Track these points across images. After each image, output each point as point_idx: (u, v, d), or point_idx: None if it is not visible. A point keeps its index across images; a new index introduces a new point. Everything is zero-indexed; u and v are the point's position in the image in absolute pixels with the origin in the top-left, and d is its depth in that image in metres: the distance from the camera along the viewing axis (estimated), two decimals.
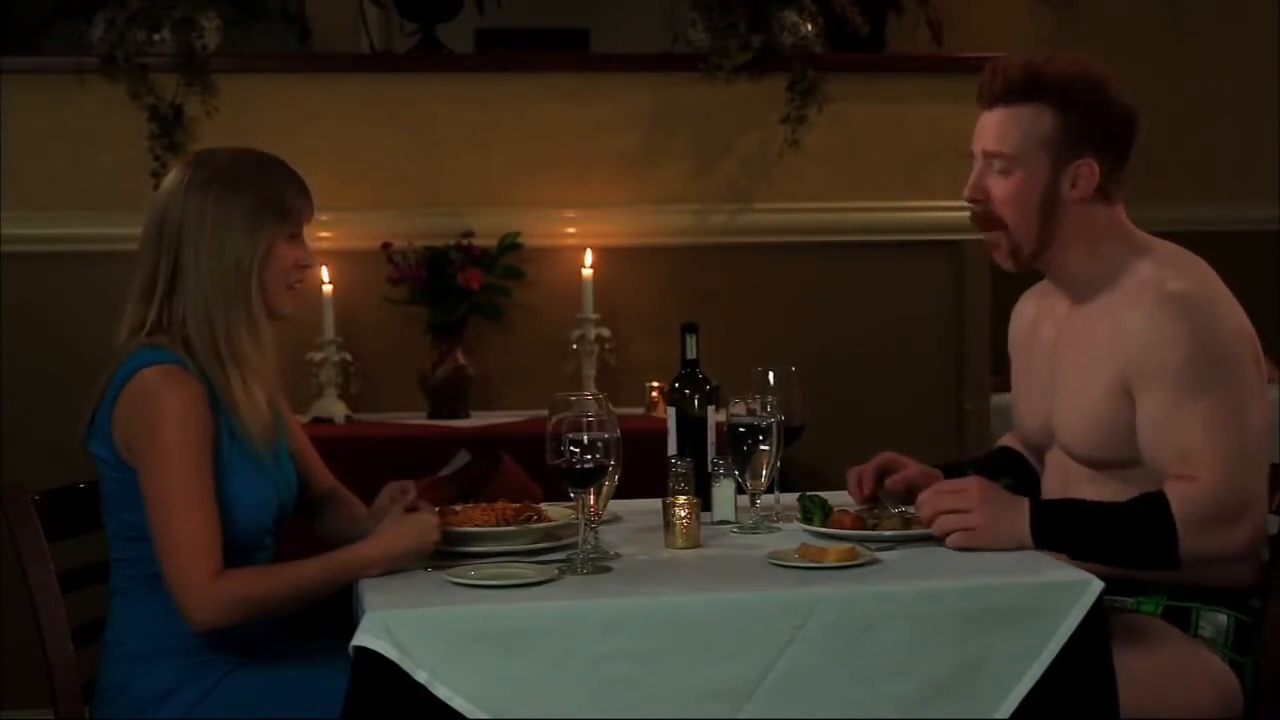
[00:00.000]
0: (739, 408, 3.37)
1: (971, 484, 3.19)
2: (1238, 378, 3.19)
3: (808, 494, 3.39)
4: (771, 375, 3.41)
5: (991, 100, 3.35)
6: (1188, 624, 3.29)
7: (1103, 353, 3.27)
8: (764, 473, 3.36)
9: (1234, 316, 3.25)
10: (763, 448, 3.34)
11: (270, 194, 3.20)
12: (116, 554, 3.23)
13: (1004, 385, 6.11)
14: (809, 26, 5.70)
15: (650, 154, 5.67)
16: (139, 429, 3.08)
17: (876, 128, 5.71)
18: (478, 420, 5.33)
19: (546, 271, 5.58)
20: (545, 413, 3.10)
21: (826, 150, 5.68)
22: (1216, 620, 3.29)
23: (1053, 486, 3.45)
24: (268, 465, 3.21)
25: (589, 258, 5.49)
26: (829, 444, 4.53)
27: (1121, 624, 3.20)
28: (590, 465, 3.01)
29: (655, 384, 5.31)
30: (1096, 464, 3.31)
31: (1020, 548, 3.11)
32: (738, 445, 3.35)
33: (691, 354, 3.57)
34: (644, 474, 3.33)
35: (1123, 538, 3.15)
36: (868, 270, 5.70)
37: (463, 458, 3.32)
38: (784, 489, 3.47)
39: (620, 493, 3.16)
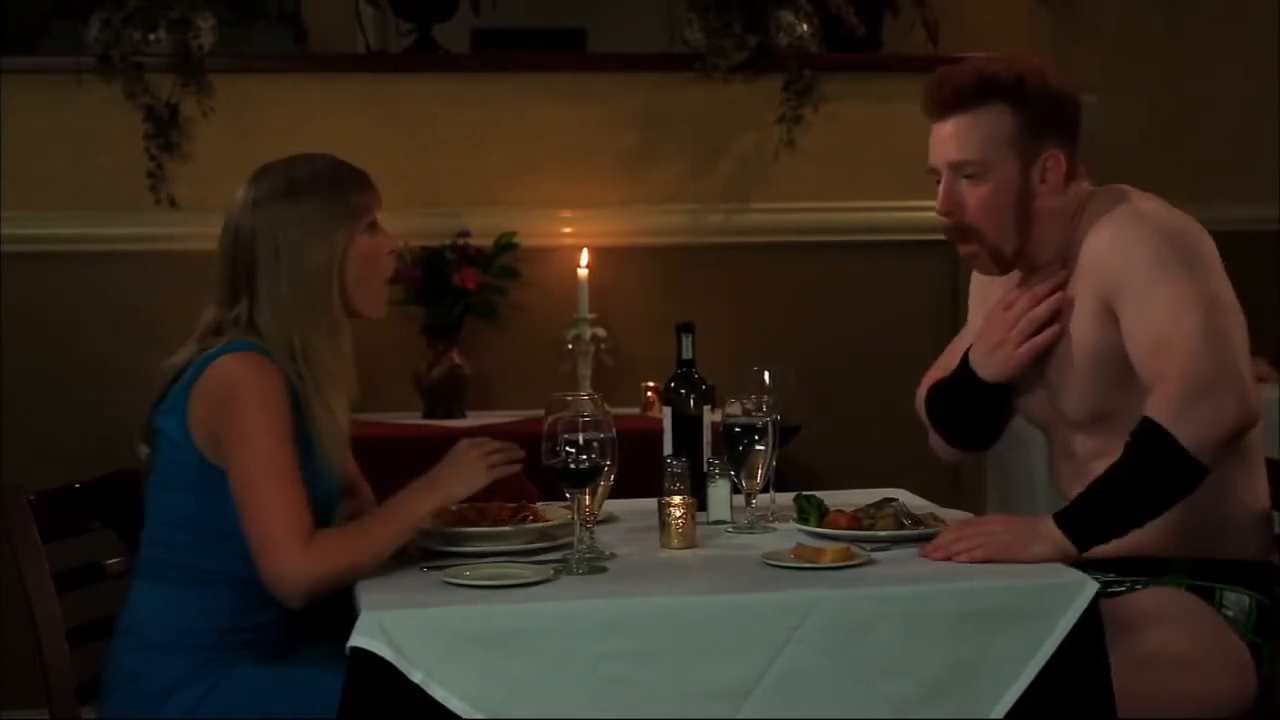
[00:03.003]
0: (734, 408, 3.37)
1: (989, 517, 3.22)
2: (1202, 264, 3.18)
3: (803, 494, 3.39)
4: (767, 375, 3.41)
5: (944, 110, 3.32)
6: (1211, 604, 3.28)
7: (1081, 287, 3.29)
8: (759, 473, 3.36)
9: (1202, 235, 3.25)
10: (758, 448, 3.34)
11: (334, 194, 3.21)
12: (152, 536, 3.22)
13: None
14: (805, 26, 5.70)
15: (646, 154, 5.67)
16: (222, 411, 3.07)
17: (872, 128, 5.71)
18: (474, 420, 5.33)
19: (542, 271, 5.58)
20: (541, 413, 3.10)
21: (822, 150, 5.68)
22: (1240, 601, 3.28)
23: (1064, 473, 3.43)
24: (329, 469, 3.21)
25: (585, 257, 5.49)
26: (825, 444, 4.54)
27: (1151, 599, 3.22)
28: (586, 465, 3.01)
29: (651, 384, 5.31)
30: (1103, 418, 3.29)
31: (1063, 554, 3.04)
32: (733, 445, 3.36)
33: (687, 354, 3.57)
34: (640, 474, 3.33)
35: (1147, 488, 3.09)
36: (864, 270, 5.70)
37: (478, 440, 3.31)
38: (780, 489, 3.47)
39: (616, 492, 3.17)
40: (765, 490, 3.41)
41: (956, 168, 3.31)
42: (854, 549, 3.07)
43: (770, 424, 3.35)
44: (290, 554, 3.00)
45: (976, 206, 3.31)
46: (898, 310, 5.68)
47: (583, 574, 3.00)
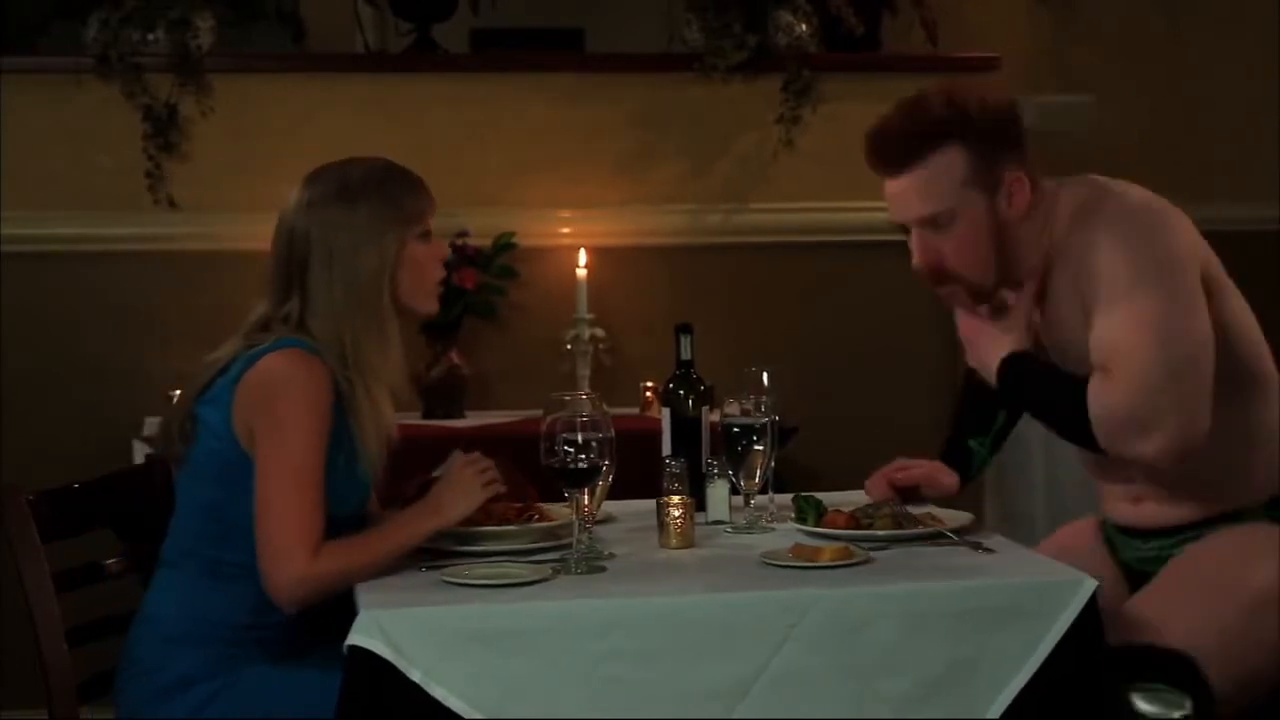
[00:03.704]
0: (733, 408, 3.38)
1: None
2: (1176, 285, 3.16)
3: (802, 494, 3.39)
4: (765, 376, 3.41)
5: (896, 167, 3.28)
6: None
7: (1067, 287, 3.28)
8: (758, 473, 3.36)
9: (1184, 230, 3.24)
10: (757, 448, 3.35)
11: (388, 200, 3.21)
12: (179, 525, 3.23)
13: None
14: (804, 26, 5.70)
15: (645, 154, 5.67)
16: (264, 406, 3.09)
17: None
18: (473, 420, 5.33)
19: (541, 271, 5.58)
20: (540, 413, 3.10)
21: (821, 150, 5.67)
22: None
23: (1090, 459, 3.43)
24: (368, 469, 3.21)
25: (583, 258, 5.49)
26: (823, 444, 4.54)
27: (1237, 539, 3.28)
28: (584, 465, 3.01)
29: (650, 384, 5.31)
30: None
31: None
32: (732, 445, 3.36)
33: (686, 354, 3.58)
34: (638, 474, 3.34)
35: (1057, 416, 3.23)
36: (863, 270, 5.70)
37: (457, 458, 3.32)
38: (778, 489, 3.48)
39: (614, 493, 3.17)
40: (764, 490, 3.41)
41: (925, 222, 3.28)
42: (852, 548, 3.07)
43: (769, 424, 3.36)
44: (294, 560, 3.00)
45: (954, 254, 3.28)
46: (896, 311, 5.68)
47: (581, 573, 3.00)
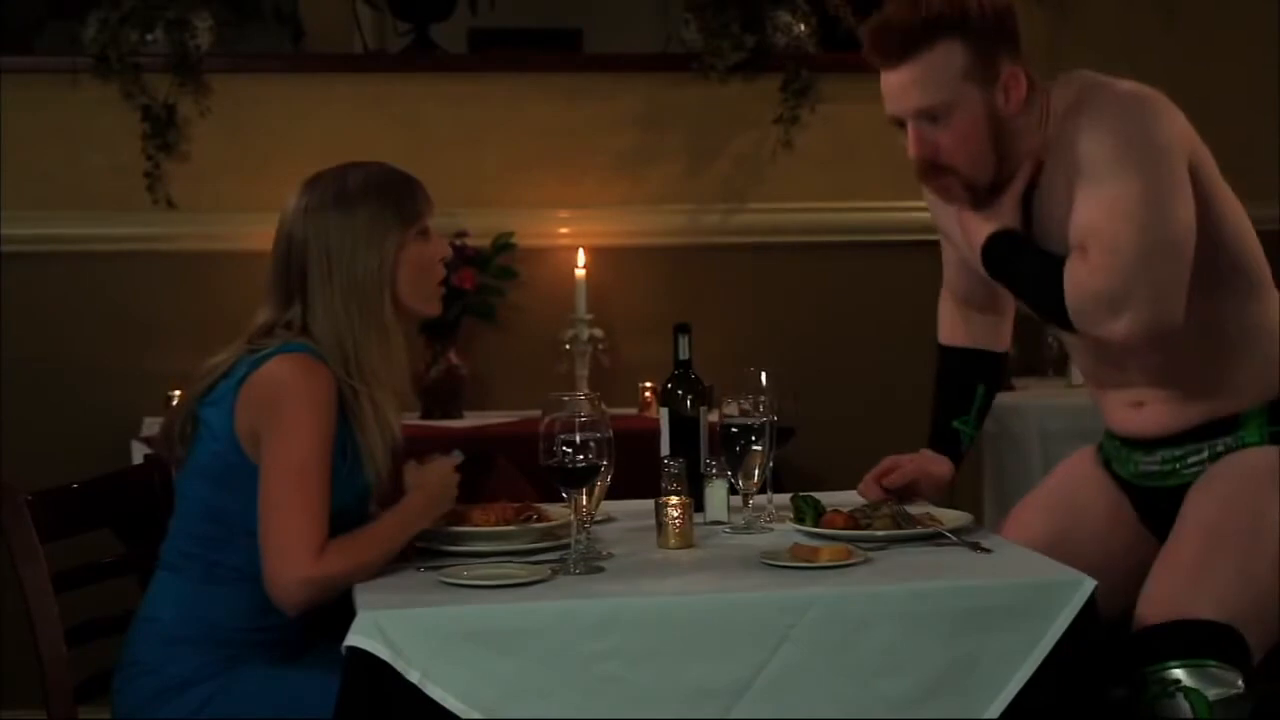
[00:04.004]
0: (732, 408, 3.37)
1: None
2: (1161, 172, 3.17)
3: (800, 494, 3.39)
4: (764, 376, 3.41)
5: (894, 58, 3.26)
6: None
7: (1060, 178, 3.28)
8: (756, 473, 3.36)
9: (1173, 119, 3.26)
10: (755, 448, 3.34)
11: (385, 203, 3.21)
12: (179, 528, 3.22)
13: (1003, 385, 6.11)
14: (802, 27, 5.71)
15: (643, 154, 5.67)
16: (269, 410, 3.08)
17: (870, 128, 5.67)
18: (471, 420, 5.34)
19: (539, 272, 5.58)
20: (539, 413, 3.10)
21: (820, 150, 5.68)
22: None
23: (1087, 361, 3.49)
24: (373, 474, 3.21)
25: (582, 258, 5.49)
26: (822, 444, 4.54)
27: (1241, 463, 3.31)
28: (583, 465, 3.01)
29: (648, 384, 5.31)
30: None
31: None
32: (730, 446, 3.36)
33: (684, 354, 3.57)
34: (637, 474, 3.33)
35: (1035, 293, 3.26)
36: (861, 270, 5.70)
37: (456, 457, 3.31)
38: (777, 490, 3.48)
39: (613, 493, 3.16)
40: (762, 491, 3.41)
41: (922, 114, 3.27)
42: (851, 548, 3.07)
43: (767, 425, 3.35)
44: (299, 563, 3.00)
45: (950, 146, 3.27)
46: (894, 310, 5.68)
47: (579, 574, 3.00)
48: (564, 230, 5.63)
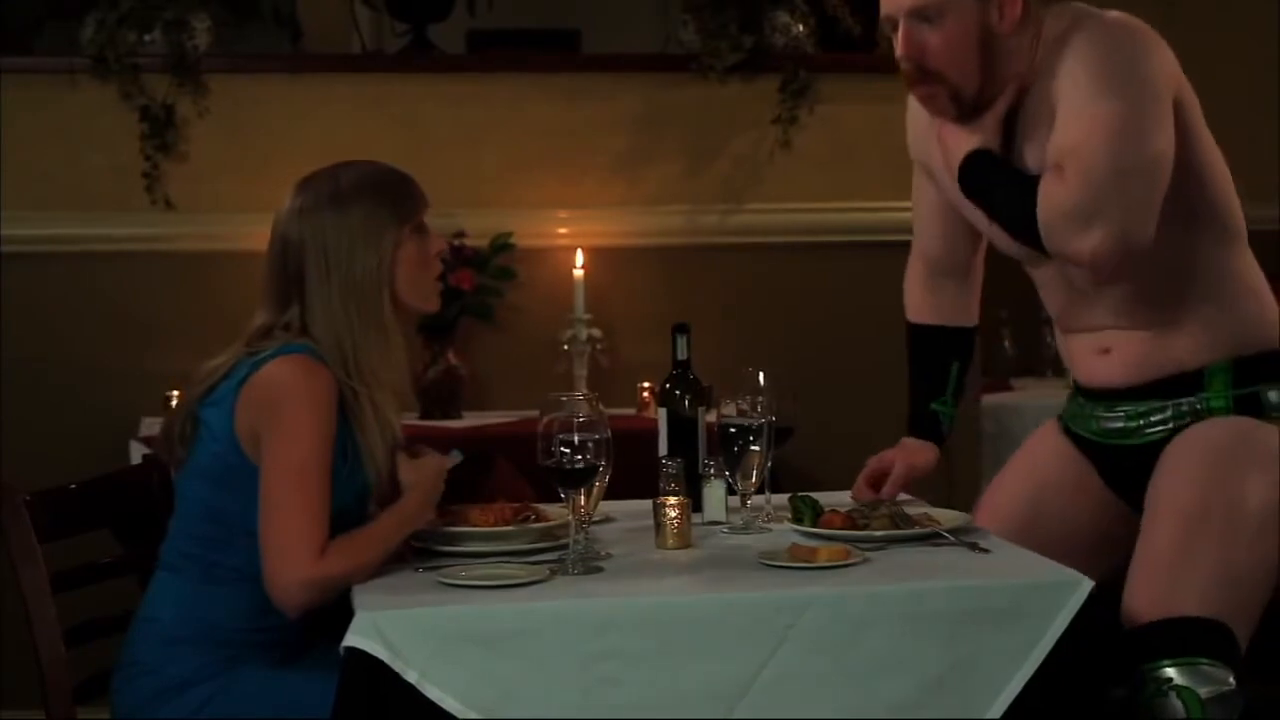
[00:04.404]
0: (730, 408, 3.38)
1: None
2: (1144, 99, 3.18)
3: (799, 494, 3.39)
4: (762, 376, 3.41)
5: None
6: (1260, 406, 3.33)
7: (1044, 105, 3.28)
8: (755, 473, 3.36)
9: (1160, 52, 3.25)
10: (753, 448, 3.35)
11: (380, 201, 3.21)
12: (179, 528, 3.22)
13: (994, 386, 6.14)
14: (800, 27, 5.71)
15: (641, 154, 5.67)
16: (269, 411, 3.08)
17: (868, 128, 5.71)
18: (470, 421, 5.34)
19: (538, 272, 5.58)
20: (537, 413, 3.10)
21: (818, 151, 5.68)
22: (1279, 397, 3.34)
23: (1058, 302, 3.47)
24: (374, 474, 3.21)
25: (580, 258, 5.49)
26: (820, 445, 4.52)
27: (1219, 450, 3.28)
28: (581, 465, 3.01)
29: (646, 384, 5.31)
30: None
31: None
32: (729, 446, 3.36)
33: (682, 355, 3.58)
34: (635, 474, 3.33)
35: (1008, 210, 3.26)
36: (859, 271, 5.69)
37: (455, 457, 3.32)
38: (775, 490, 3.48)
39: (612, 493, 3.17)
40: (760, 491, 3.41)
41: (915, 13, 3.27)
42: (849, 549, 3.07)
43: (765, 425, 3.35)
44: (299, 565, 3.00)
45: (939, 48, 3.27)
46: (893, 311, 5.62)
47: (578, 574, 3.00)
48: (562, 230, 5.63)
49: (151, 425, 4.89)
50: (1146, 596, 3.21)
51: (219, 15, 5.55)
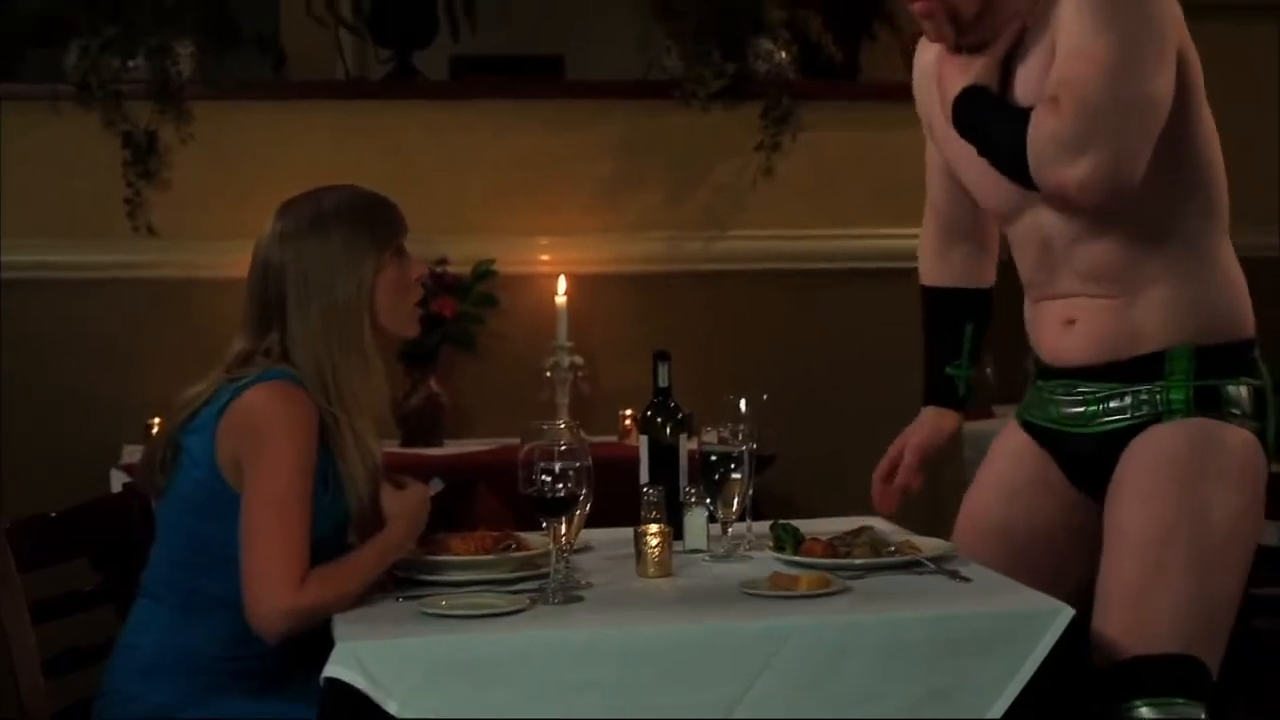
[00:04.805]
0: (711, 436, 3.37)
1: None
2: (1147, 38, 3.13)
3: (780, 522, 3.39)
4: (743, 403, 3.41)
5: None
6: (1218, 402, 3.29)
7: (1044, 43, 3.24)
8: (736, 501, 3.36)
9: (1171, 4, 3.21)
10: (734, 476, 3.34)
11: (360, 226, 3.21)
12: (159, 555, 3.21)
13: (976, 414, 6.14)
14: (783, 54, 5.72)
15: (624, 181, 5.68)
16: (250, 438, 3.08)
17: (851, 155, 5.73)
18: (452, 448, 5.34)
19: (520, 299, 5.58)
20: (518, 441, 3.10)
21: (801, 178, 5.70)
22: (1238, 392, 3.29)
23: (1029, 261, 3.41)
24: (356, 501, 3.20)
25: (562, 285, 5.50)
26: (801, 472, 4.53)
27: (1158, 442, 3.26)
28: (562, 494, 3.01)
29: (628, 412, 5.31)
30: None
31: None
32: (710, 473, 3.36)
33: (664, 382, 3.57)
34: (617, 502, 3.33)
35: (998, 143, 3.21)
36: (842, 298, 5.71)
37: (436, 485, 3.32)
38: (756, 517, 3.47)
39: (594, 521, 3.16)
40: (742, 519, 3.41)
41: None
42: (830, 577, 3.07)
43: (746, 452, 3.35)
44: (279, 593, 2.99)
45: None
46: (874, 338, 5.68)
47: (558, 603, 2.99)
48: (545, 257, 5.63)
49: (133, 453, 4.88)
50: (1117, 630, 3.20)
51: (202, 42, 5.55)
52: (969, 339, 3.68)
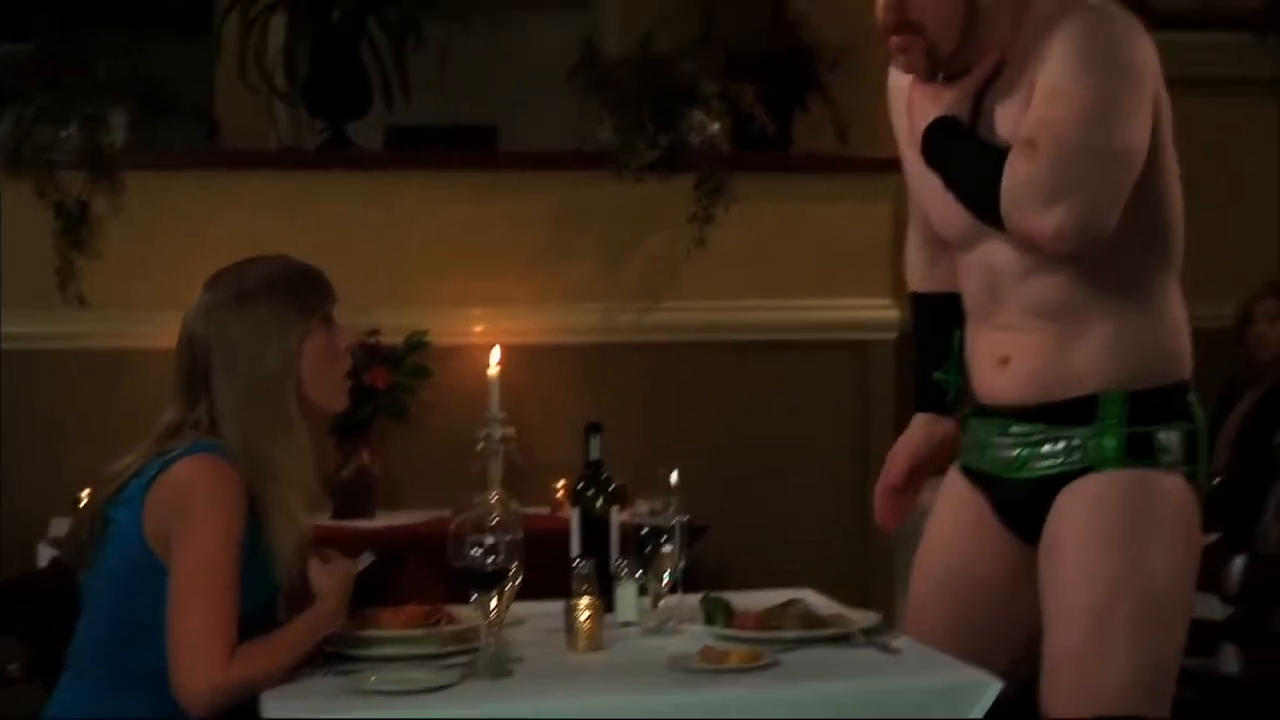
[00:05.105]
0: (643, 508, 3.37)
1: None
2: (1125, 86, 3.15)
3: (711, 595, 3.38)
4: (675, 475, 3.41)
5: None
6: (1151, 449, 3.28)
7: (1022, 82, 3.24)
8: (667, 574, 3.36)
9: (1147, 49, 3.22)
10: (666, 549, 3.34)
11: (287, 298, 3.20)
12: (89, 629, 3.18)
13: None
14: (716, 126, 5.74)
15: (559, 252, 5.69)
16: (177, 513, 3.06)
17: (783, 226, 5.75)
18: (383, 520, 5.31)
19: (453, 369, 5.57)
20: (451, 512, 3.09)
21: (734, 249, 5.71)
22: (1170, 438, 3.28)
23: (974, 290, 3.41)
24: (283, 573, 3.18)
25: (496, 355, 5.49)
26: (733, 544, 4.54)
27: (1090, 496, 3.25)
28: (493, 568, 3.00)
29: (561, 483, 5.30)
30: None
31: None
32: (641, 546, 3.35)
33: (595, 454, 3.57)
34: (549, 575, 3.32)
35: (970, 180, 3.20)
36: (774, 369, 5.72)
37: (367, 558, 3.31)
38: (689, 588, 3.47)
39: (526, 593, 3.15)
40: (673, 591, 3.40)
41: None
42: (761, 651, 3.07)
43: (678, 525, 3.35)
44: (206, 668, 2.97)
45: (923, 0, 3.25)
46: (807, 410, 5.70)
47: (489, 678, 2.98)
48: (478, 328, 5.63)
49: (61, 526, 4.83)
50: (1067, 696, 3.19)
51: (136, 111, 5.54)
52: (958, 345, 3.65)
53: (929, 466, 3.62)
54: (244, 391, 3.16)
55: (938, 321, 3.65)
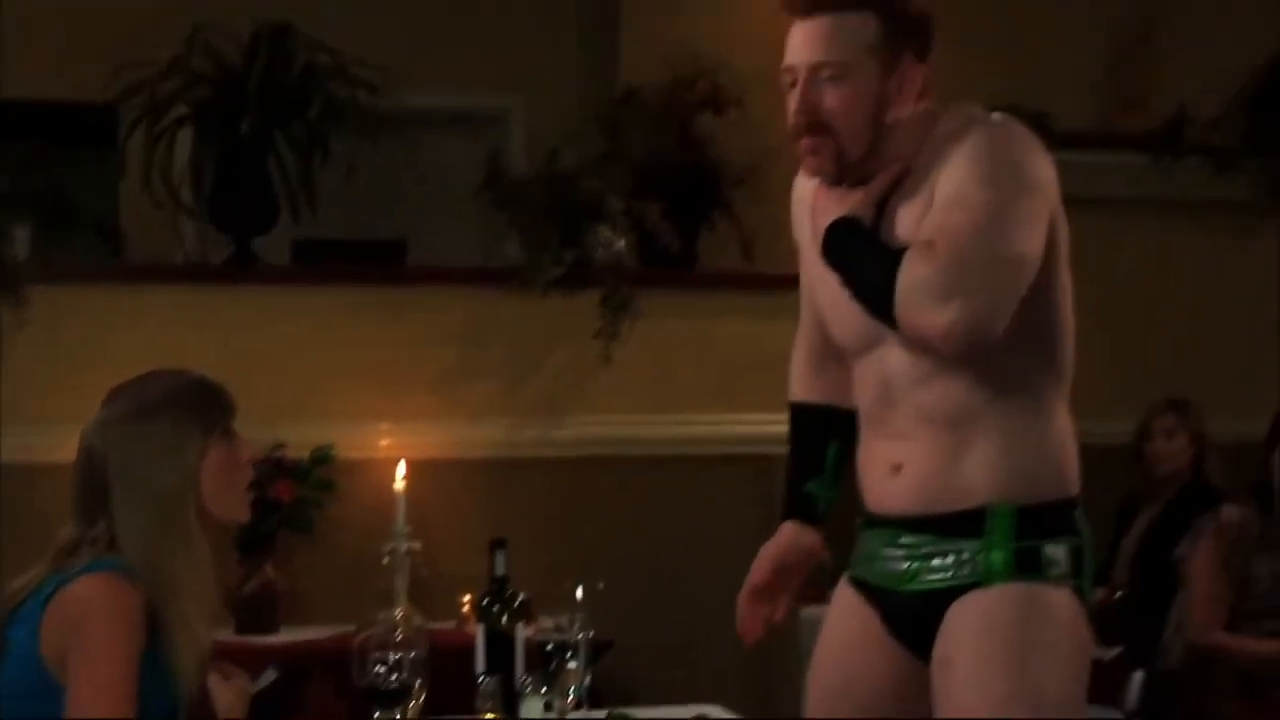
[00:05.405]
0: (548, 623, 3.38)
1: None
2: (1023, 200, 3.18)
3: (616, 711, 3.39)
4: (580, 590, 3.42)
5: (809, 8, 3.31)
6: (1039, 564, 3.28)
7: (922, 193, 3.27)
8: (572, 690, 3.36)
9: (1047, 167, 3.27)
10: (570, 665, 3.35)
11: (185, 411, 3.19)
12: None
13: (813, 597, 6.17)
14: (622, 242, 5.78)
15: (464, 367, 5.70)
16: (73, 632, 3.02)
17: (688, 342, 5.79)
18: (287, 636, 5.28)
19: (359, 484, 5.56)
20: (355, 628, 3.08)
21: (639, 364, 5.74)
22: (1057, 552, 3.28)
23: (869, 398, 3.41)
24: (185, 689, 3.16)
25: (401, 470, 5.48)
26: (641, 659, 4.54)
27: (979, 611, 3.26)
28: (395, 685, 3.00)
29: (467, 598, 5.29)
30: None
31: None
32: (546, 662, 3.36)
33: (500, 570, 3.59)
34: (455, 691, 3.32)
35: (866, 279, 3.23)
36: (679, 484, 5.74)
37: (269, 675, 3.29)
38: (594, 705, 3.48)
39: (434, 709, 3.15)
40: (579, 707, 3.40)
41: (817, 69, 3.29)
42: None
43: (582, 640, 3.36)
44: None
45: (835, 105, 3.28)
46: (712, 524, 5.71)
47: None
48: (384, 442, 5.63)
49: None
50: None
51: (40, 225, 5.52)
52: (831, 458, 3.67)
53: (793, 576, 3.63)
54: (143, 507, 3.14)
55: (815, 432, 3.67)
